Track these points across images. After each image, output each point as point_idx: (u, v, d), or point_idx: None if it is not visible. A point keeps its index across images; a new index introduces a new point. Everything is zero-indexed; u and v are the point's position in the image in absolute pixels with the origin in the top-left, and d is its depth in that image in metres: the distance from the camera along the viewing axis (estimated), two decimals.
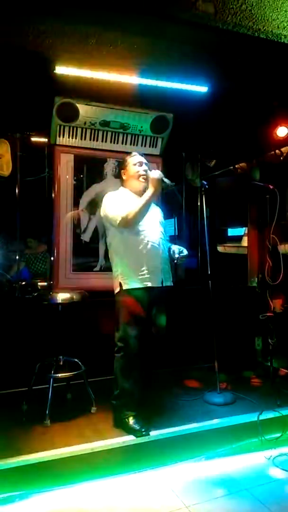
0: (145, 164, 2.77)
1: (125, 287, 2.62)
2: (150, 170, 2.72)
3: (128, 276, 2.62)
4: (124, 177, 2.80)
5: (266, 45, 2.48)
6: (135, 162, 2.74)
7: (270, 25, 2.38)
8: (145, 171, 2.72)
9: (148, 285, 2.62)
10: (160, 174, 2.59)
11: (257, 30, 2.37)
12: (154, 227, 2.73)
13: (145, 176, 2.70)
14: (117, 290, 2.68)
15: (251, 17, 2.33)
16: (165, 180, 2.59)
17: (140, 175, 2.71)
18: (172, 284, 2.78)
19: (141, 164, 2.75)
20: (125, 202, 2.63)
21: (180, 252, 2.75)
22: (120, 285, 2.63)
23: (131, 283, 2.61)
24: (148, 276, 2.62)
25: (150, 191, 2.56)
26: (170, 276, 2.78)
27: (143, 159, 2.78)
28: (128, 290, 2.61)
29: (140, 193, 2.71)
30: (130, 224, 2.57)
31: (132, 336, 2.59)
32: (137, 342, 2.60)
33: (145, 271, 2.62)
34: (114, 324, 2.68)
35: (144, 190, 2.68)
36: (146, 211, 2.59)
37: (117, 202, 2.65)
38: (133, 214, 2.54)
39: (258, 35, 2.39)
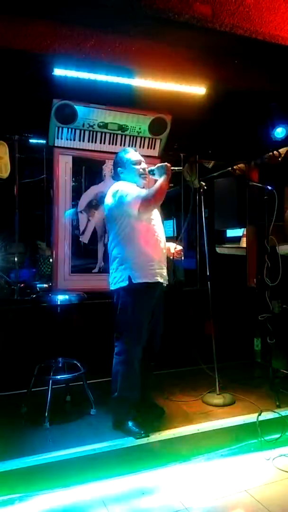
0: (143, 162, 2.75)
1: (136, 280, 2.51)
2: (147, 167, 2.73)
3: (140, 269, 2.52)
4: (121, 175, 2.73)
5: (263, 46, 2.49)
6: (136, 162, 2.70)
7: (267, 27, 2.39)
8: (144, 169, 2.70)
9: (159, 280, 2.58)
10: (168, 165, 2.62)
11: (254, 31, 2.38)
12: (160, 226, 2.73)
13: (145, 174, 2.70)
14: (123, 283, 2.54)
15: (248, 19, 2.34)
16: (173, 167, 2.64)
17: (141, 174, 2.69)
18: (168, 284, 2.76)
19: (140, 162, 2.73)
20: (136, 189, 2.61)
21: (175, 247, 2.75)
22: (129, 278, 2.52)
23: (142, 277, 2.52)
24: (159, 271, 2.59)
25: (163, 176, 2.56)
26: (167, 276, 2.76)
27: (140, 157, 2.75)
28: (138, 284, 2.51)
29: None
30: (151, 205, 2.52)
31: (137, 337, 2.55)
32: (141, 343, 2.57)
33: (157, 266, 2.58)
34: (116, 323, 2.61)
35: (144, 187, 2.70)
36: (164, 194, 2.55)
37: (131, 188, 2.59)
38: (154, 194, 2.50)
39: (255, 36, 2.39)
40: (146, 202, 2.50)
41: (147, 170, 2.70)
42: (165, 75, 2.94)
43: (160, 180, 2.56)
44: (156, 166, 2.63)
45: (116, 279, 2.60)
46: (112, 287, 2.64)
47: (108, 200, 2.64)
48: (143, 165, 2.73)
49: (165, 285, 2.70)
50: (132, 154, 2.73)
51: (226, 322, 3.90)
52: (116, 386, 2.61)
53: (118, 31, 2.41)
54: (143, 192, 2.56)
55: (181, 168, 2.70)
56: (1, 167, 3.45)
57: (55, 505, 2.13)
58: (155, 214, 2.70)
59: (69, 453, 2.33)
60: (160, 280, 2.61)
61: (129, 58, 2.67)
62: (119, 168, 2.74)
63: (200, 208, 3.57)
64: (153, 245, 2.60)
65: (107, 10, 2.18)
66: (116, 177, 2.79)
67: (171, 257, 2.77)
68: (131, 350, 2.56)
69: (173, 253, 2.75)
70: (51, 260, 3.70)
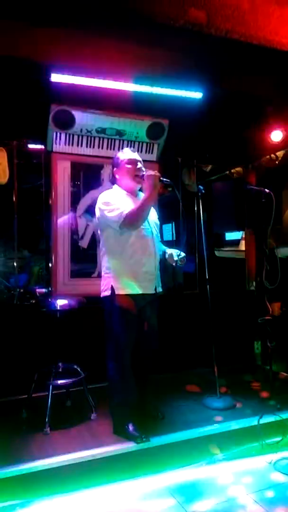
0: (139, 162, 2.66)
1: (118, 292, 2.53)
2: (144, 168, 2.64)
3: (122, 281, 2.53)
4: (117, 176, 2.69)
5: (258, 51, 2.51)
6: (129, 161, 2.62)
7: (262, 31, 2.41)
8: (139, 169, 2.61)
9: (141, 292, 2.55)
10: (157, 172, 2.52)
11: (249, 36, 2.40)
12: (151, 231, 2.66)
13: (139, 175, 2.59)
14: (107, 293, 2.57)
15: (243, 24, 2.36)
16: (162, 178, 2.54)
17: (135, 175, 2.61)
18: (162, 290, 2.72)
19: (135, 162, 2.63)
20: (123, 202, 2.53)
21: (178, 254, 2.69)
22: (112, 289, 2.54)
23: (124, 288, 2.52)
24: (143, 282, 2.56)
25: (149, 189, 2.46)
26: (160, 282, 2.72)
27: (136, 156, 2.66)
28: (120, 296, 2.52)
29: (135, 193, 2.67)
30: (133, 224, 2.46)
31: (122, 343, 2.55)
32: (129, 349, 2.57)
33: (141, 277, 2.55)
34: (105, 331, 2.64)
35: (139, 189, 2.66)
36: (149, 210, 2.51)
37: (115, 201, 2.53)
38: (136, 213, 2.44)
39: (250, 41, 2.41)
40: (129, 221, 2.45)
41: (141, 172, 2.60)
42: (162, 79, 2.95)
43: (145, 195, 2.49)
44: (146, 173, 2.52)
45: (102, 287, 2.63)
46: (101, 295, 2.65)
47: (95, 212, 2.65)
48: (139, 165, 2.63)
49: (158, 291, 2.68)
50: (126, 154, 2.65)
51: (226, 325, 3.89)
52: (112, 392, 2.62)
53: (115, 37, 2.43)
54: (127, 209, 2.46)
55: (168, 180, 2.61)
56: None
57: (56, 511, 2.12)
58: (148, 220, 2.63)
59: (70, 458, 2.32)
60: (146, 291, 2.57)
61: (126, 64, 2.68)
62: (114, 169, 2.70)
63: (198, 212, 3.57)
64: (140, 255, 2.55)
65: (104, 16, 2.20)
66: (112, 179, 2.75)
67: (174, 264, 2.74)
68: (119, 356, 2.56)
69: (177, 260, 2.71)
70: (50, 265, 3.69)
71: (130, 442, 2.48)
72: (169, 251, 2.77)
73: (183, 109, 3.29)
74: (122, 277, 2.54)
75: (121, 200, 2.56)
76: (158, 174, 2.52)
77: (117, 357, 2.57)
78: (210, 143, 4.06)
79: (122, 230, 2.50)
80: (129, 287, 2.53)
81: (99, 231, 2.71)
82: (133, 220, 2.46)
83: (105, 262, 2.64)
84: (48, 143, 3.56)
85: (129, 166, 2.62)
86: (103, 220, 2.57)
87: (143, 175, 2.57)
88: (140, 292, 2.55)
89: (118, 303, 2.53)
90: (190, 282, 4.30)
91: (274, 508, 2.13)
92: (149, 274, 2.60)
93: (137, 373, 2.63)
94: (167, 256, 2.76)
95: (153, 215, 2.75)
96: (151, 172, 2.51)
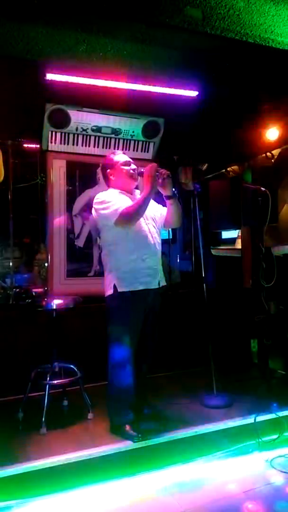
0: (132, 163, 2.73)
1: (120, 289, 2.53)
2: (137, 168, 2.70)
3: (124, 278, 2.54)
4: (112, 178, 2.71)
5: (254, 49, 2.51)
6: (124, 162, 2.68)
7: (257, 30, 2.40)
8: (134, 170, 2.68)
9: (144, 288, 2.56)
10: (154, 165, 2.56)
11: (245, 34, 2.39)
12: (151, 227, 2.66)
13: (135, 174, 2.67)
14: (109, 292, 2.58)
15: (239, 22, 2.35)
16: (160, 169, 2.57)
17: (131, 174, 2.66)
18: (166, 284, 2.73)
19: (129, 163, 2.70)
20: (119, 200, 2.56)
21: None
22: (114, 287, 2.55)
23: (127, 285, 2.53)
24: (145, 278, 2.56)
25: (149, 181, 2.51)
26: (163, 276, 2.73)
27: (129, 158, 2.74)
28: (123, 293, 2.53)
29: (131, 191, 2.71)
30: (129, 221, 2.48)
31: (125, 342, 2.54)
32: (132, 348, 2.57)
33: (143, 273, 2.56)
34: (107, 329, 2.63)
35: (136, 188, 2.70)
36: (146, 207, 2.53)
37: (110, 199, 2.56)
38: (133, 210, 2.48)
39: (246, 39, 2.41)
40: (125, 218, 2.48)
41: (137, 171, 2.68)
42: (157, 78, 2.95)
43: (146, 188, 2.52)
44: (146, 168, 2.57)
45: (105, 287, 2.64)
46: (105, 295, 2.66)
47: (92, 212, 2.67)
48: (133, 166, 2.70)
49: (160, 287, 2.68)
50: (120, 156, 2.73)
51: (223, 324, 3.91)
52: (112, 390, 2.61)
53: (109, 35, 2.42)
54: (123, 206, 2.49)
55: (163, 170, 2.61)
56: None
57: (53, 510, 2.12)
58: (146, 216, 2.64)
59: (66, 458, 2.32)
60: (148, 287, 2.58)
61: (121, 62, 2.68)
62: (108, 171, 2.72)
63: (194, 210, 3.58)
64: (140, 251, 2.56)
65: (98, 14, 2.19)
66: (106, 181, 2.77)
67: (159, 179, 2.57)
68: (121, 354, 2.56)
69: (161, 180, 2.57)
70: (46, 264, 3.68)
71: (127, 441, 2.47)
72: None
73: (178, 107, 3.28)
74: (124, 274, 2.55)
75: (116, 198, 2.58)
76: (155, 164, 2.57)
77: (118, 355, 2.56)
78: (206, 141, 4.05)
79: (117, 226, 2.51)
80: (131, 284, 2.54)
81: (98, 232, 2.73)
82: (130, 215, 2.48)
83: (107, 261, 2.66)
84: (43, 142, 3.55)
85: (126, 167, 2.68)
86: (100, 219, 2.60)
87: (141, 171, 2.62)
88: (142, 288, 2.56)
89: (121, 300, 2.54)
90: (187, 280, 4.31)
91: (271, 506, 2.14)
92: (151, 269, 2.60)
93: (135, 372, 2.62)
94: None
95: (152, 209, 2.73)
96: (153, 165, 2.57)
